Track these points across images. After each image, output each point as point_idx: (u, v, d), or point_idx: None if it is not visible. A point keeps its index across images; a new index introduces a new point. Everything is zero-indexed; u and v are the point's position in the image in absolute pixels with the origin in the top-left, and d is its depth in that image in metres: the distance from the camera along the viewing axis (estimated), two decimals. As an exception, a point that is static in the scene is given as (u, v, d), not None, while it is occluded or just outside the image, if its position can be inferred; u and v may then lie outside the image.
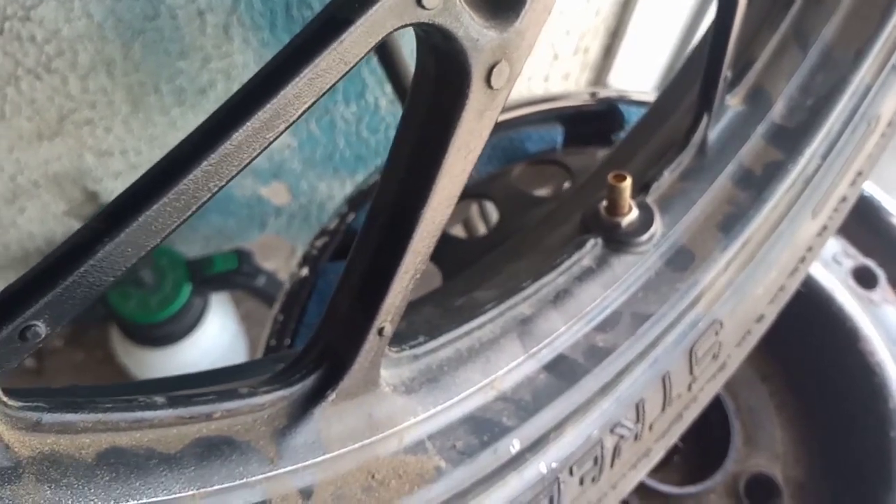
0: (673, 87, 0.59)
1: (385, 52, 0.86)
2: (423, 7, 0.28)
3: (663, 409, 0.50)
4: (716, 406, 0.68)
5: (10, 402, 0.24)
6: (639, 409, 0.48)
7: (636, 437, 0.48)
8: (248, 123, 0.26)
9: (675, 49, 1.24)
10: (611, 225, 0.50)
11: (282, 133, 0.27)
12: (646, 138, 0.58)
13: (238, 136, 0.26)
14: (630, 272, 0.49)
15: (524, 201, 0.71)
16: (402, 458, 0.36)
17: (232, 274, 1.22)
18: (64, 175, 1.12)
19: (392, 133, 1.24)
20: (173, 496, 0.27)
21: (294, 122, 0.28)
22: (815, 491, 0.66)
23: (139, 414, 0.28)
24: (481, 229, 0.80)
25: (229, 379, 0.33)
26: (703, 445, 0.68)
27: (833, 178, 0.58)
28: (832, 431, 0.68)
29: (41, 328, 0.23)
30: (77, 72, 0.98)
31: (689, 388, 0.52)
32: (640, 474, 0.50)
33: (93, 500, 0.25)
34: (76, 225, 1.21)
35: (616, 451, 0.47)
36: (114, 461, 0.27)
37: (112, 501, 0.25)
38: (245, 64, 1.04)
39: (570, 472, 0.44)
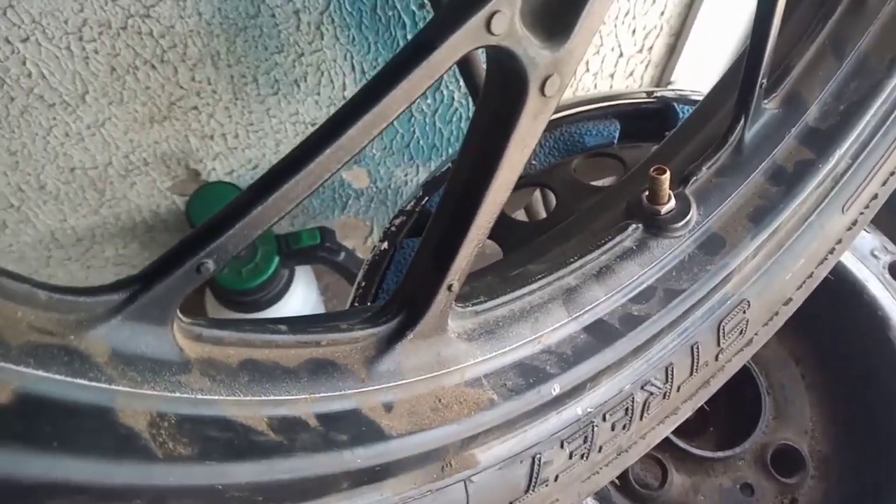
0: (716, 91, 0.66)
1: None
2: (491, 34, 0.36)
3: (691, 374, 0.57)
4: (749, 382, 0.74)
5: (184, 318, 0.34)
6: (668, 372, 0.55)
7: (665, 396, 0.56)
8: (360, 121, 0.35)
9: (735, 50, 1.28)
10: (651, 212, 0.57)
11: (383, 130, 0.36)
12: (689, 136, 0.64)
13: (352, 131, 0.34)
14: (666, 254, 0.57)
15: (581, 190, 0.78)
16: (462, 389, 0.45)
17: (315, 249, 1.33)
18: (170, 154, 1.26)
19: (463, 124, 1.34)
20: (292, 397, 0.37)
21: (392, 121, 0.37)
22: (839, 464, 0.72)
23: (269, 336, 0.38)
24: (542, 214, 0.88)
25: (334, 319, 0.43)
26: (735, 418, 0.75)
27: (864, 178, 0.63)
28: (859, 411, 0.73)
29: (210, 265, 0.33)
30: (187, 63, 1.10)
31: (717, 358, 0.59)
32: (668, 429, 0.58)
33: (237, 391, 0.35)
34: (178, 200, 1.35)
35: (645, 406, 0.54)
36: (251, 368, 0.36)
37: (250, 395, 0.35)
38: (334, 58, 1.14)
39: (604, 418, 0.52)
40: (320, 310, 1.49)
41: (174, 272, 0.32)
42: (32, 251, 1.38)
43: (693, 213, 0.58)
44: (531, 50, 0.38)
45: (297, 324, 0.40)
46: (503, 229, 0.78)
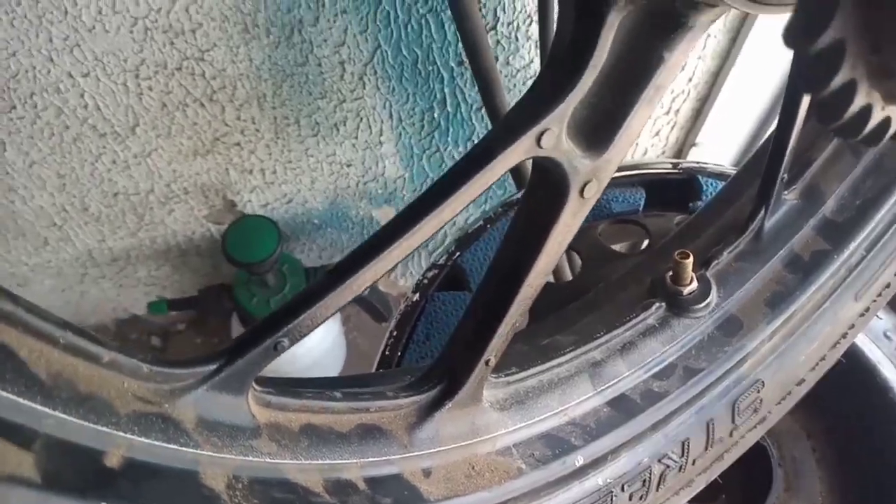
0: (739, 177, 0.70)
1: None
2: (541, 147, 0.41)
3: (706, 448, 0.60)
4: (761, 454, 0.77)
5: (257, 387, 0.38)
6: (684, 446, 0.59)
7: (680, 469, 0.59)
8: (426, 219, 0.39)
9: (760, 119, 1.33)
10: (673, 292, 0.61)
11: (449, 221, 0.40)
12: (712, 220, 0.68)
13: (419, 227, 0.39)
14: (686, 333, 0.60)
15: (605, 255, 0.82)
16: (494, 458, 0.48)
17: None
18: (210, 186, 1.31)
19: (495, 186, 1.37)
20: (345, 461, 0.41)
21: (456, 214, 0.41)
22: (844, 538, 0.74)
23: (326, 403, 0.42)
24: (567, 276, 0.92)
25: (378, 383, 0.47)
26: (747, 489, 0.78)
27: (877, 268, 0.67)
28: (868, 487, 0.76)
29: (286, 343, 0.37)
30: (234, 103, 1.15)
31: (731, 434, 0.62)
32: (682, 500, 0.61)
33: (299, 456, 0.39)
34: (213, 227, 1.40)
35: (662, 478, 0.58)
36: (310, 433, 0.40)
37: (310, 459, 0.39)
38: (373, 106, 1.20)
39: (622, 489, 0.55)
40: (342, 341, 1.53)
41: (254, 349, 0.36)
42: (69, 268, 1.43)
43: (713, 296, 0.62)
44: (574, 160, 0.43)
45: (348, 387, 0.44)
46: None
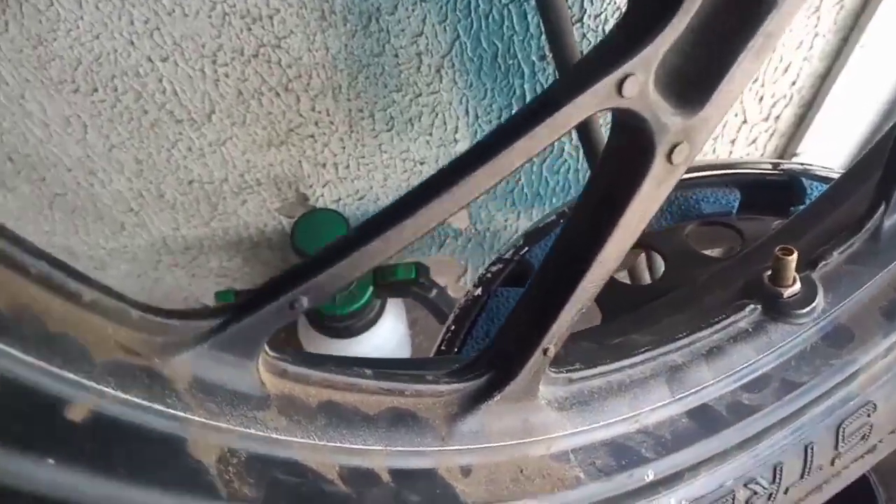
0: (854, 172, 0.61)
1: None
2: (622, 96, 0.34)
3: (802, 476, 0.52)
4: (865, 492, 0.67)
5: (270, 353, 0.33)
6: (776, 471, 0.50)
7: (770, 497, 0.51)
8: (476, 172, 0.33)
9: (870, 128, 1.21)
10: (772, 294, 0.53)
11: (498, 184, 0.34)
12: (821, 217, 0.60)
13: (467, 181, 0.33)
14: (786, 341, 0.52)
15: (691, 259, 0.74)
16: (547, 462, 0.42)
17: (409, 283, 1.33)
18: (282, 178, 1.29)
19: (571, 176, 1.31)
20: (368, 447, 0.35)
21: (509, 175, 0.35)
22: None
23: (353, 379, 0.36)
24: (646, 279, 0.84)
25: (419, 367, 0.41)
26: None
27: None
28: None
29: (305, 302, 0.31)
30: (309, 93, 1.13)
31: (833, 462, 0.53)
32: (769, 534, 0.52)
33: (313, 435, 0.33)
34: (284, 220, 1.38)
35: (746, 505, 0.49)
36: (329, 411, 0.35)
37: (325, 440, 0.33)
38: (450, 101, 1.15)
39: (699, 513, 0.47)
40: (407, 343, 1.49)
41: (268, 305, 0.31)
42: (144, 253, 1.44)
43: (819, 300, 0.53)
44: (662, 115, 0.36)
45: (383, 368, 0.38)
46: (604, 290, 0.74)
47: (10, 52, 1.06)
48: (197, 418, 0.29)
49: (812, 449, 0.51)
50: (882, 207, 0.55)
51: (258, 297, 0.31)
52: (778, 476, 0.50)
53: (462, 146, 1.23)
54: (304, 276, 0.31)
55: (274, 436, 0.32)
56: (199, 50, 1.05)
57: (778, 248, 0.52)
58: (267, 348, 0.33)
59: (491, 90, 1.13)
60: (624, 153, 0.38)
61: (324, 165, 1.27)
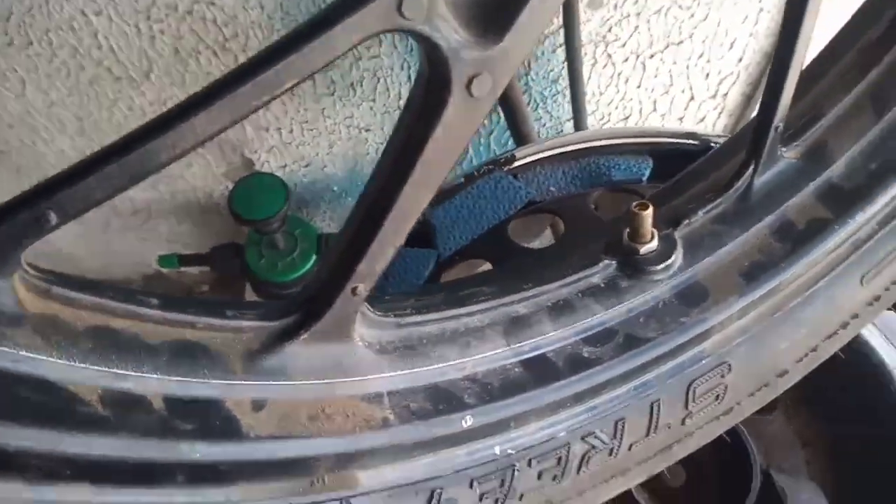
0: (739, 135, 0.60)
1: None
2: (403, 16, 0.33)
3: (647, 434, 0.51)
4: (742, 458, 0.66)
5: (30, 271, 0.33)
6: (617, 427, 0.50)
7: (611, 453, 0.50)
8: (244, 87, 0.32)
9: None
10: (629, 250, 0.52)
11: (274, 98, 0.34)
12: (699, 178, 0.59)
13: (245, 90, 0.32)
14: (637, 297, 0.51)
15: (593, 224, 0.73)
16: (356, 402, 0.41)
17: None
18: (226, 142, 1.28)
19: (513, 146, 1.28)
20: (142, 374, 0.35)
21: (280, 94, 0.34)
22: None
23: (133, 307, 0.36)
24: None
25: (227, 307, 0.41)
26: (721, 498, 0.67)
27: (891, 249, 0.56)
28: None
29: (53, 217, 0.31)
30: (247, 53, 1.12)
31: (683, 421, 0.53)
32: (613, 490, 0.52)
33: (74, 357, 0.33)
34: (230, 184, 1.38)
35: (584, 459, 0.49)
36: (100, 335, 0.34)
37: (87, 364, 0.33)
38: (391, 66, 1.14)
39: (529, 464, 0.47)
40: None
41: (13, 219, 0.30)
42: (93, 215, 1.44)
43: (677, 258, 0.53)
44: (455, 42, 0.35)
45: (179, 303, 0.38)
46: (503, 253, 0.74)
47: (-58, 2, 1.05)
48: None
49: (658, 406, 0.51)
50: (752, 167, 0.54)
51: (5, 210, 0.30)
52: (619, 432, 0.50)
53: (406, 114, 1.22)
54: (51, 189, 0.31)
55: (22, 353, 0.31)
56: (133, 4, 1.04)
57: (634, 203, 0.51)
58: (26, 265, 0.32)
59: (431, 56, 1.12)
60: (426, 83, 0.37)
61: (267, 130, 1.26)
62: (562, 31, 1.09)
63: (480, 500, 0.45)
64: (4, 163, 1.31)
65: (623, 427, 0.50)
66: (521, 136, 1.09)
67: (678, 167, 0.82)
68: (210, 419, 0.36)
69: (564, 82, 1.16)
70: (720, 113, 1.24)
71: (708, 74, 1.17)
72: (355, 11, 0.33)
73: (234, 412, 0.37)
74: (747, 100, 1.22)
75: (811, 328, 0.55)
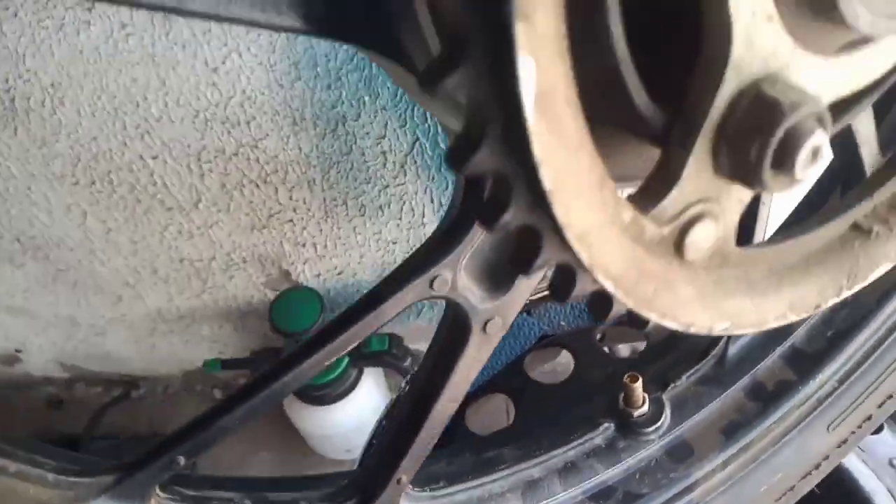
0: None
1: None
2: (434, 290, 0.45)
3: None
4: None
5: (160, 494, 0.44)
6: (620, 572, 0.59)
7: None
8: (316, 355, 0.44)
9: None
10: (624, 414, 0.62)
11: (333, 363, 0.45)
12: (677, 342, 0.69)
13: (308, 362, 0.43)
14: (633, 456, 0.61)
15: (598, 357, 0.83)
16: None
17: (383, 354, 1.43)
18: (266, 256, 1.41)
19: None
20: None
21: (349, 351, 0.45)
22: None
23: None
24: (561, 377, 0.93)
25: (300, 488, 0.51)
26: None
27: (853, 400, 0.65)
28: None
29: (182, 460, 0.42)
30: (286, 185, 1.25)
31: (678, 562, 0.62)
32: None
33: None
34: (270, 293, 1.50)
35: None
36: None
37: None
38: (415, 192, 1.26)
39: None
40: (383, 407, 1.58)
41: (151, 465, 0.41)
42: (141, 322, 1.56)
43: (666, 419, 0.62)
44: (473, 300, 0.46)
45: (265, 490, 0.49)
46: (521, 387, 0.84)
47: (19, 151, 1.19)
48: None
49: (653, 552, 0.60)
50: (725, 337, 0.64)
51: (143, 458, 0.41)
52: (621, 575, 0.59)
53: (429, 228, 1.34)
54: (182, 438, 0.42)
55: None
56: (185, 150, 1.18)
57: (626, 375, 0.61)
58: (158, 491, 0.43)
59: (452, 182, 1.24)
60: (450, 326, 0.48)
61: (303, 245, 1.38)
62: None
63: None
64: (64, 280, 1.44)
65: (625, 571, 0.59)
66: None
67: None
68: None
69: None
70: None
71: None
72: (400, 290, 0.44)
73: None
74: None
75: (786, 472, 0.64)
